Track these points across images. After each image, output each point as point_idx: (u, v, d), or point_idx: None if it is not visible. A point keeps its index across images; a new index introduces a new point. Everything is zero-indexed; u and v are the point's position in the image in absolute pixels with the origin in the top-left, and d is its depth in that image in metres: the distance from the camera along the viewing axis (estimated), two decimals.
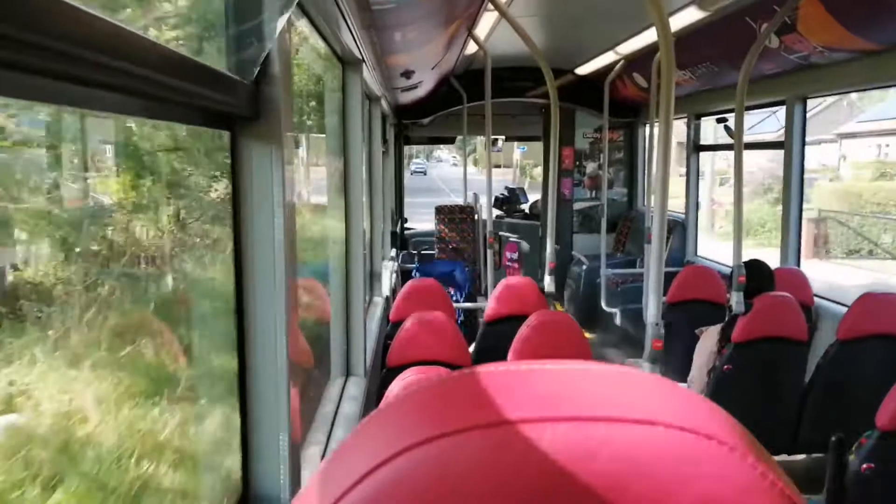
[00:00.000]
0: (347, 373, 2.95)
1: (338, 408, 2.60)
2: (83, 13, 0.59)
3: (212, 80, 0.92)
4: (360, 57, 2.84)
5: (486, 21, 3.97)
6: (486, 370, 0.35)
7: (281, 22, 1.17)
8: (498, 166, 28.76)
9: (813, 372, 3.09)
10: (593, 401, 0.32)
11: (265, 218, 1.16)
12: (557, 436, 0.30)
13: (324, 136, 3.12)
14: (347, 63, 2.94)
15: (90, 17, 0.60)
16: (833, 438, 2.15)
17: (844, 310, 3.22)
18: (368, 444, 0.32)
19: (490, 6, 3.41)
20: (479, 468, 0.29)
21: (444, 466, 0.29)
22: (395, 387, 2.04)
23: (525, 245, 6.82)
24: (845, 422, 2.66)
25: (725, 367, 3.06)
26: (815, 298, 3.87)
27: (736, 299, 3.21)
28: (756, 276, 3.29)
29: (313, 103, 3.16)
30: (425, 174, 37.88)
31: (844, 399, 2.94)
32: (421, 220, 8.42)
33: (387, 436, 0.32)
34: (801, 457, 3.08)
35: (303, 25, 2.05)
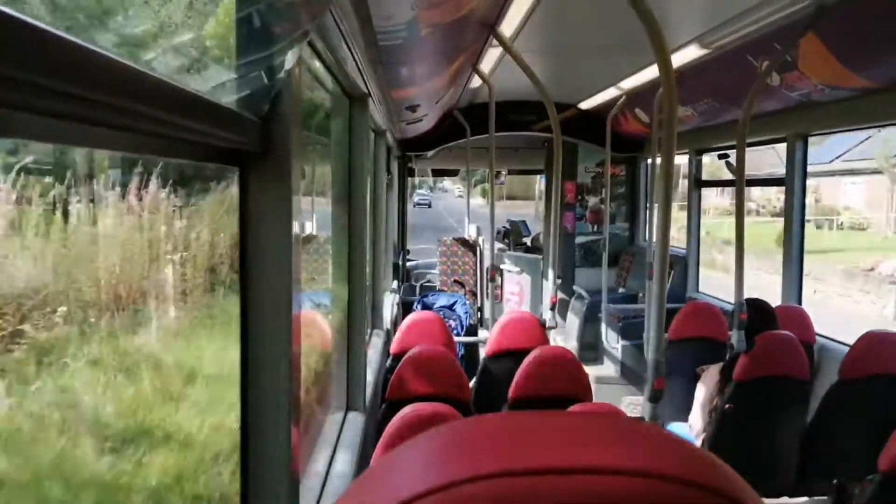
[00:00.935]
0: (347, 406, 2.93)
1: (337, 441, 2.58)
2: (92, 52, 0.59)
3: (221, 118, 0.93)
4: (367, 91, 2.88)
5: (491, 56, 4.02)
6: (493, 419, 0.35)
7: (290, 58, 1.18)
8: (514, 198, 28.44)
9: (815, 411, 3.06)
10: (601, 452, 0.32)
11: (272, 253, 1.17)
12: (567, 486, 0.30)
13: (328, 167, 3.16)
14: (354, 98, 2.98)
15: (98, 56, 0.60)
16: (835, 482, 2.12)
17: (846, 349, 3.21)
18: (375, 491, 0.33)
19: (495, 42, 3.46)
20: None
21: None
22: (395, 422, 2.03)
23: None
24: (848, 462, 2.63)
25: (727, 405, 3.04)
26: (818, 337, 3.86)
27: (737, 337, 3.20)
28: (757, 314, 3.28)
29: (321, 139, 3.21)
30: (430, 206, 36.11)
31: (847, 440, 2.91)
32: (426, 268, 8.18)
33: (393, 483, 0.32)
34: (804, 499, 3.04)
35: (310, 60, 2.08)
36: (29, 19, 0.49)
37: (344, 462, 2.38)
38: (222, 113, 0.94)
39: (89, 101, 0.59)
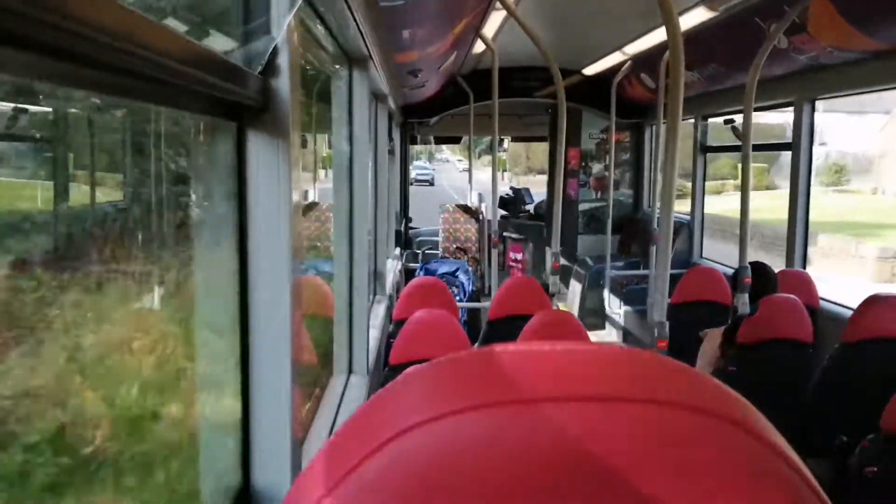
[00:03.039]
0: (350, 370, 2.95)
1: (339, 405, 2.60)
2: None
3: (221, 70, 0.92)
4: (368, 54, 2.84)
5: (494, 20, 3.96)
6: (494, 350, 0.34)
7: (289, 15, 1.16)
8: (544, 172, 27.09)
9: (818, 374, 3.07)
10: (604, 380, 0.31)
11: (271, 212, 1.16)
12: (568, 414, 0.29)
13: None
14: (354, 60, 2.94)
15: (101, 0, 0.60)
16: (837, 442, 2.13)
17: (850, 312, 3.21)
18: (376, 420, 0.32)
19: (498, 5, 3.41)
20: (485, 446, 0.29)
21: (451, 443, 0.29)
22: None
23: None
24: (851, 424, 2.64)
25: (730, 368, 3.05)
26: (821, 301, 3.86)
27: (741, 300, 3.19)
28: (760, 279, 3.28)
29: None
30: (432, 184, 29.42)
31: (850, 401, 2.92)
32: None
33: (394, 412, 0.32)
34: (807, 460, 3.07)
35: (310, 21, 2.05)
36: None
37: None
38: (222, 64, 0.93)
39: (92, 43, 0.59)
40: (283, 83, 1.12)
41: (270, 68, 1.12)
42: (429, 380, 0.33)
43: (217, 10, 1.16)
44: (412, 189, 8.34)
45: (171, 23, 1.03)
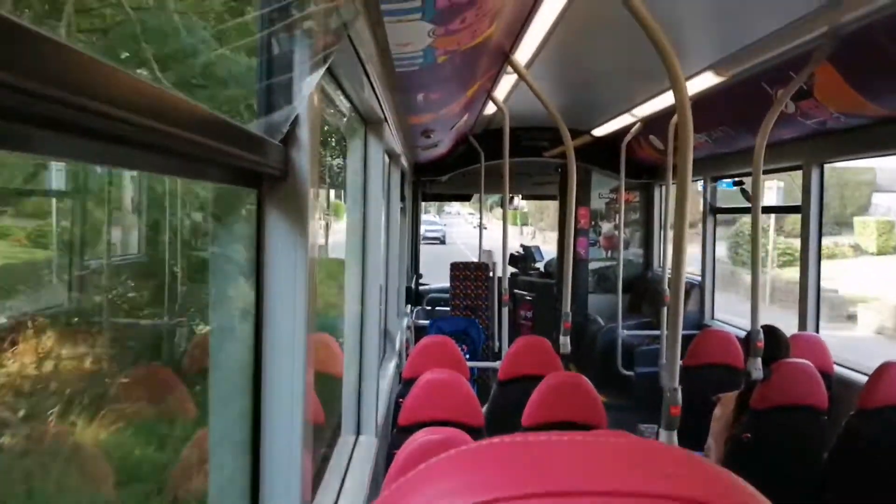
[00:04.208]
0: (358, 430, 2.92)
1: (348, 466, 2.57)
2: (118, 72, 0.60)
3: (242, 140, 0.95)
4: (383, 116, 2.91)
5: (506, 83, 4.05)
6: (520, 439, 0.35)
7: (310, 84, 1.20)
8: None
9: (834, 442, 3.01)
10: (631, 475, 0.31)
11: (287, 276, 1.17)
12: None
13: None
14: (370, 122, 3.00)
15: (124, 76, 0.62)
16: None
17: (864, 378, 3.16)
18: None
19: (510, 69, 3.49)
20: None
21: None
22: (407, 448, 2.01)
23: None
24: (869, 494, 2.57)
25: (744, 434, 3.00)
26: (835, 366, 3.81)
27: (754, 365, 3.16)
28: (771, 342, 3.25)
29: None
30: (443, 242, 26.50)
31: (868, 470, 2.86)
32: None
33: (437, 495, 0.32)
34: None
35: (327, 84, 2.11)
36: (57, 37, 0.51)
37: (354, 488, 2.37)
38: (243, 135, 0.96)
39: (114, 119, 0.60)
40: (304, 152, 1.15)
41: (291, 137, 1.15)
42: (446, 473, 0.33)
43: (241, 79, 1.20)
44: (422, 248, 8.35)
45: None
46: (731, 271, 16.97)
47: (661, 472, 0.32)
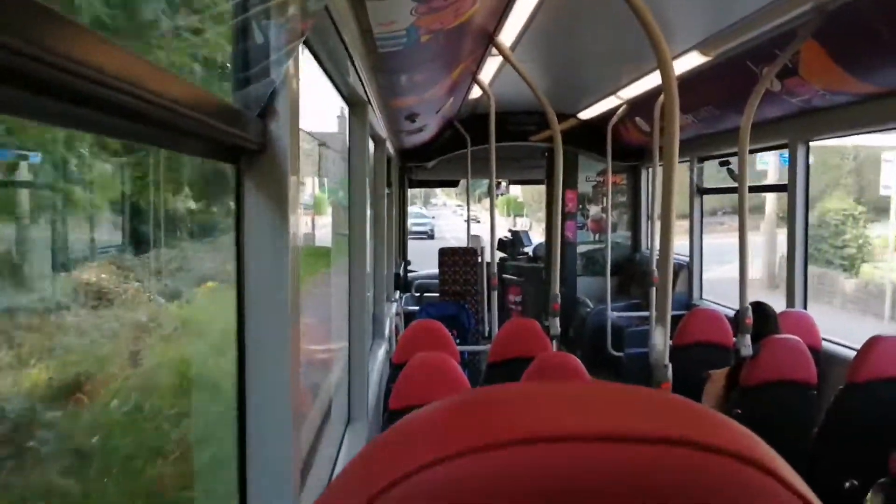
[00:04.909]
0: (349, 416, 2.90)
1: (338, 452, 2.56)
2: (97, 39, 0.59)
3: (220, 112, 0.92)
4: (366, 99, 2.87)
5: (491, 66, 4.02)
6: (494, 391, 0.33)
7: (288, 55, 1.17)
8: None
9: (823, 416, 3.03)
10: (617, 419, 0.30)
11: (270, 253, 1.15)
12: (577, 455, 0.28)
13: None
14: (353, 105, 2.97)
15: (104, 44, 0.60)
16: (847, 485, 2.09)
17: (853, 353, 3.18)
18: (377, 465, 0.31)
19: (495, 51, 3.46)
20: (490, 488, 0.27)
21: (456, 486, 0.28)
22: None
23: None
24: (859, 467, 2.59)
25: (734, 411, 3.01)
26: (824, 342, 3.83)
27: (743, 342, 3.17)
28: (760, 319, 3.26)
29: None
30: (431, 237, 24.09)
31: (855, 443, 2.88)
32: None
33: (396, 456, 0.31)
34: None
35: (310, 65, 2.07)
36: (40, 2, 0.50)
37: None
38: (221, 107, 0.93)
39: (95, 85, 0.59)
40: (283, 125, 1.13)
41: (269, 111, 1.12)
42: (428, 422, 0.32)
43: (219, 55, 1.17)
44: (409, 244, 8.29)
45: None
46: (817, 275, 12.27)
47: (649, 413, 0.30)
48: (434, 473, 0.28)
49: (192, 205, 2.02)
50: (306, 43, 1.33)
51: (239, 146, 1.06)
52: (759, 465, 0.29)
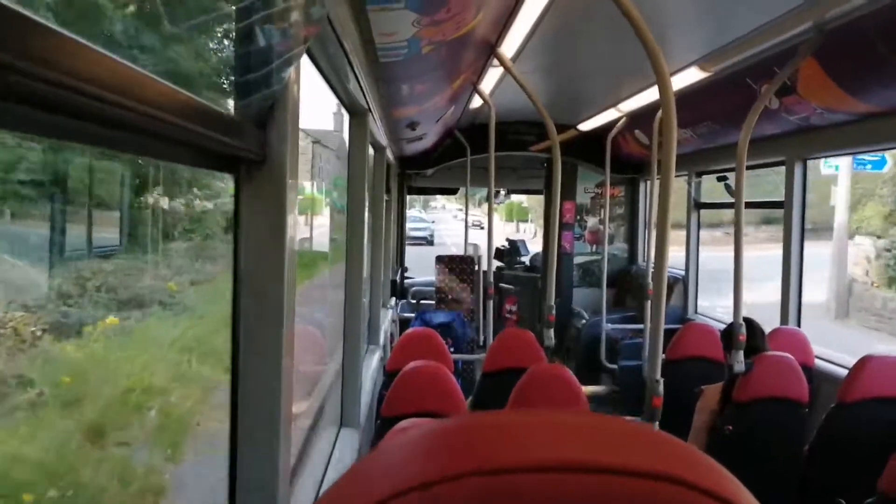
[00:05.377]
0: (341, 423, 2.90)
1: (330, 457, 2.56)
2: (93, 51, 0.60)
3: (218, 123, 0.93)
4: (367, 107, 2.88)
5: (492, 76, 4.04)
6: (489, 416, 0.34)
7: (289, 68, 1.18)
8: None
9: (814, 434, 3.04)
10: (599, 451, 0.31)
11: (267, 262, 1.16)
12: (555, 485, 0.29)
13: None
14: (354, 113, 2.98)
15: (100, 56, 0.61)
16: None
17: (845, 372, 3.19)
18: (363, 486, 0.31)
19: (496, 62, 3.48)
20: None
21: None
22: (389, 438, 2.00)
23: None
24: (847, 485, 2.60)
25: (726, 427, 3.02)
26: (816, 360, 3.84)
27: (736, 358, 3.18)
28: (750, 334, 3.28)
29: None
30: (431, 243, 23.08)
31: (846, 462, 2.89)
32: None
33: (383, 476, 0.31)
34: None
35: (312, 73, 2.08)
36: (35, 17, 0.50)
37: (336, 479, 2.35)
38: (221, 119, 0.94)
39: (92, 99, 0.60)
40: (282, 136, 1.14)
41: (270, 121, 1.13)
42: (418, 445, 0.33)
43: (217, 62, 1.18)
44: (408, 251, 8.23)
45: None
46: (881, 300, 10.70)
47: (625, 447, 0.31)
48: (407, 500, 0.29)
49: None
50: (308, 51, 1.34)
51: (238, 156, 1.07)
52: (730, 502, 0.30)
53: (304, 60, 1.38)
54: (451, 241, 22.22)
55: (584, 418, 0.33)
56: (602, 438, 0.32)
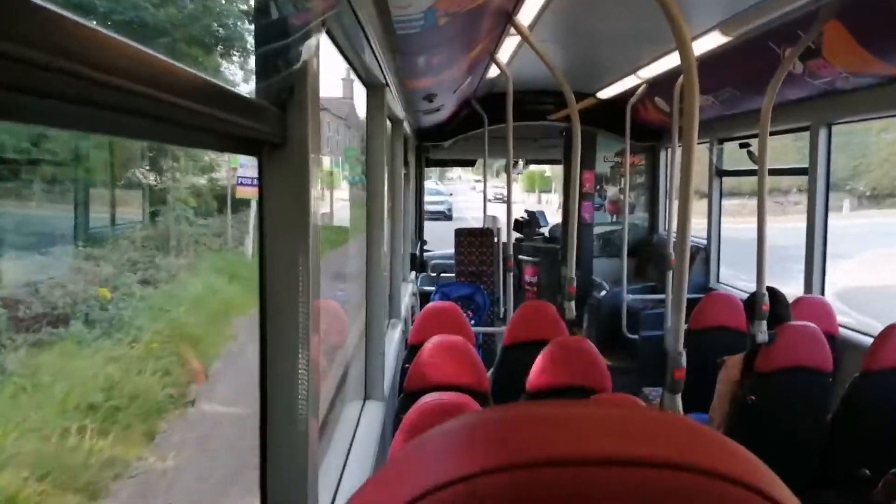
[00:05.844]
0: (365, 396, 2.94)
1: (355, 430, 2.60)
2: (113, 40, 0.60)
3: (240, 107, 0.94)
4: (384, 81, 2.87)
5: (509, 45, 3.99)
6: (513, 410, 0.34)
7: (308, 47, 1.18)
8: None
9: (837, 404, 3.03)
10: (627, 444, 0.31)
11: (291, 242, 1.17)
12: (587, 478, 0.29)
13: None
14: (371, 87, 2.97)
15: (120, 44, 0.61)
16: (859, 473, 2.10)
17: (870, 340, 3.16)
18: (399, 480, 0.32)
19: (513, 31, 3.44)
20: None
21: (479, 502, 0.29)
22: (414, 412, 2.03)
23: None
24: (870, 455, 2.59)
25: (749, 397, 3.01)
26: (840, 329, 3.81)
27: (759, 328, 3.16)
28: (774, 304, 3.25)
29: None
30: (449, 217, 22.00)
31: (869, 432, 2.88)
32: None
33: (419, 471, 0.32)
34: (827, 492, 3.01)
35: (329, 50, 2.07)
36: (55, 7, 0.50)
37: (362, 451, 2.40)
38: (243, 102, 0.95)
39: (112, 88, 0.60)
40: (303, 117, 1.14)
41: (291, 101, 1.14)
42: (452, 439, 0.33)
43: (238, 44, 1.18)
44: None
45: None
46: None
47: (657, 438, 0.31)
48: (449, 494, 0.30)
49: None
50: (325, 27, 1.34)
51: (260, 139, 1.08)
52: (763, 493, 0.30)
53: (322, 38, 1.37)
54: (472, 214, 20.83)
55: (620, 411, 0.34)
56: (638, 431, 0.32)
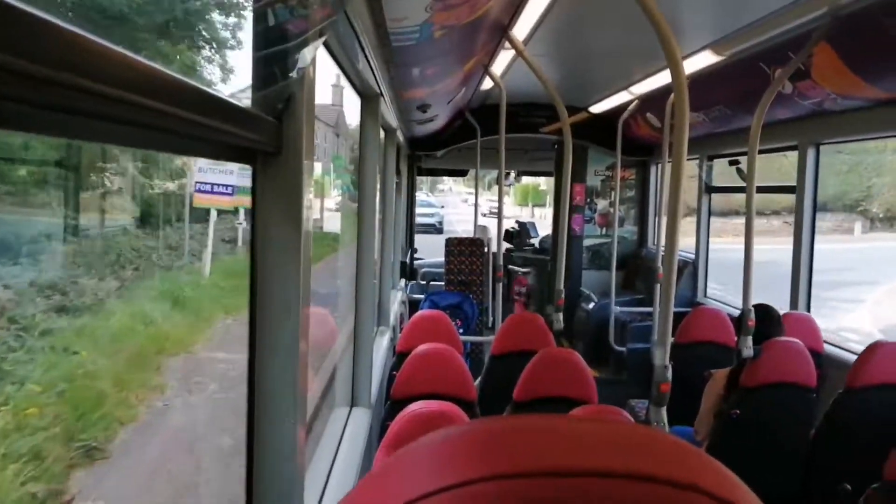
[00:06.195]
0: (352, 403, 2.95)
1: (341, 437, 2.60)
2: (110, 49, 0.60)
3: (235, 116, 0.95)
4: (378, 90, 2.89)
5: (503, 58, 4.03)
6: (505, 420, 0.36)
7: (305, 59, 1.20)
8: None
9: (821, 419, 3.06)
10: (604, 455, 0.32)
11: (283, 250, 1.18)
12: (577, 490, 0.31)
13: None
14: (365, 96, 2.99)
15: (117, 54, 0.62)
16: (840, 489, 2.12)
17: (854, 357, 3.20)
18: (388, 488, 0.33)
19: (507, 45, 3.47)
20: None
21: None
22: (400, 420, 2.04)
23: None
24: (853, 471, 2.62)
25: (733, 411, 3.04)
26: (825, 345, 3.85)
27: (745, 343, 3.20)
28: (764, 321, 3.29)
29: None
30: (440, 230, 20.06)
31: (852, 448, 2.91)
32: None
33: (402, 482, 0.33)
34: None
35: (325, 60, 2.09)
36: (48, 16, 0.51)
37: (348, 458, 2.40)
38: (238, 112, 0.96)
39: (108, 98, 0.61)
40: (299, 128, 1.16)
41: (287, 111, 1.15)
42: (437, 449, 0.34)
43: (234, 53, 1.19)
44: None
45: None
46: None
47: (634, 451, 0.33)
48: (434, 502, 0.31)
49: None
50: (322, 37, 1.36)
51: (255, 149, 1.09)
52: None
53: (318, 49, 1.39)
54: (463, 227, 19.87)
55: (601, 424, 0.35)
56: (617, 443, 0.33)
